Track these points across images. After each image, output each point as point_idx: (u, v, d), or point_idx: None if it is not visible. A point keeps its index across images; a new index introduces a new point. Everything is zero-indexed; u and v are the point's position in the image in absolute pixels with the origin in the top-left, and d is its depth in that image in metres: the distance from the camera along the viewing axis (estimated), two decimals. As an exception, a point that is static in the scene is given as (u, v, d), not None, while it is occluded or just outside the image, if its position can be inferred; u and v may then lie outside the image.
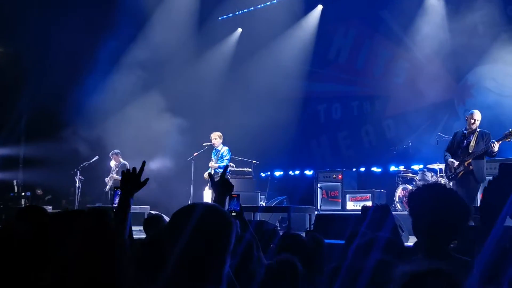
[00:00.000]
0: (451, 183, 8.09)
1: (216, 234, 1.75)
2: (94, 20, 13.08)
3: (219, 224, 1.78)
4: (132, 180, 2.78)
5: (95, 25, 13.05)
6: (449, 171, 8.05)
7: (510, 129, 7.54)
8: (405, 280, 1.39)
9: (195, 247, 1.70)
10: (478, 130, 7.91)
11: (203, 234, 1.72)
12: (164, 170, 12.60)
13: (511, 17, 11.19)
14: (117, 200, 3.22)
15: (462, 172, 7.81)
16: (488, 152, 7.62)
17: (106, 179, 11.78)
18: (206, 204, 1.88)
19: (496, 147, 7.50)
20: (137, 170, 2.80)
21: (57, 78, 12.81)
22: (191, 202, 1.95)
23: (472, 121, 7.92)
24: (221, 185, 2.80)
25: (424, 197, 2.18)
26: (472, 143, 7.82)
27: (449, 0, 11.73)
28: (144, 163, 2.89)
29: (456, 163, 7.90)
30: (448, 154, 8.13)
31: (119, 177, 11.21)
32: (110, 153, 11.73)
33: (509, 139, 7.52)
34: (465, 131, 8.02)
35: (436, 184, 2.26)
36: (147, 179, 2.84)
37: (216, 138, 10.40)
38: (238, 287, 2.33)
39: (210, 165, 10.45)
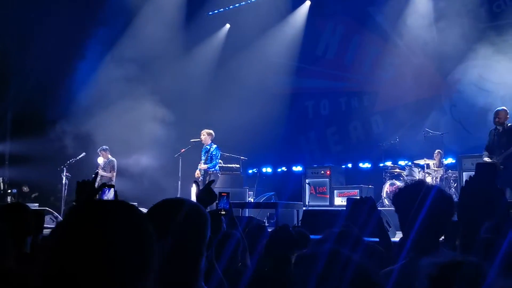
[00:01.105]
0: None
1: (192, 228, 1.80)
2: (81, 16, 12.97)
3: (194, 217, 1.82)
4: (87, 188, 2.80)
5: (82, 20, 12.93)
6: None
7: None
8: (434, 272, 1.39)
9: (171, 242, 1.71)
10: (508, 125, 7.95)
11: (178, 228, 1.75)
12: (152, 166, 12.55)
13: (496, 14, 11.28)
14: (104, 198, 3.20)
15: None
16: None
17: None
18: (178, 199, 1.92)
19: None
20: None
21: (43, 74, 12.69)
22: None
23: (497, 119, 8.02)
24: (205, 194, 2.80)
25: (410, 195, 2.20)
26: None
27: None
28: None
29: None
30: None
31: (106, 173, 11.16)
32: (98, 149, 11.63)
33: None
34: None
35: (420, 181, 2.27)
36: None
37: (204, 135, 10.32)
38: (227, 286, 2.33)
39: (199, 166, 10.37)
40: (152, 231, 1.18)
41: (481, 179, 1.70)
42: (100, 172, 11.32)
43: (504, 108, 8.12)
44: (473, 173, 1.74)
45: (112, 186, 3.23)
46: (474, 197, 1.67)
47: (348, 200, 3.80)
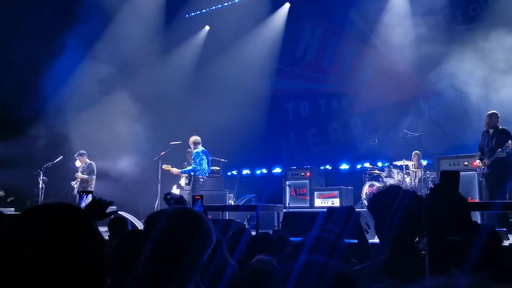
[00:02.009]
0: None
1: (188, 238, 1.69)
2: (58, 16, 12.77)
3: (190, 227, 1.72)
4: (98, 209, 2.78)
5: (59, 21, 12.73)
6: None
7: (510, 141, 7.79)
8: None
9: (167, 250, 1.65)
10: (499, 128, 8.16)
11: (175, 239, 1.67)
12: (131, 170, 12.42)
13: (473, 17, 11.46)
14: (82, 204, 3.15)
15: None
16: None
17: (72, 182, 11.51)
18: (179, 208, 1.81)
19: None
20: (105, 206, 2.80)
21: (19, 75, 12.45)
22: (162, 209, 1.84)
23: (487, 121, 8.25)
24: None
25: (385, 200, 2.21)
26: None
27: (414, 0, 11.91)
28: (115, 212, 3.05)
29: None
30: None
31: (85, 176, 11.01)
32: (76, 154, 11.48)
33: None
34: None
35: (394, 187, 2.29)
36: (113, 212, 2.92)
37: (191, 142, 10.36)
38: (203, 286, 2.29)
39: (171, 173, 10.46)
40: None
41: (445, 187, 1.73)
42: (79, 175, 11.18)
43: (495, 111, 8.31)
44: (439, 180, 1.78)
45: (91, 192, 3.19)
46: (438, 205, 1.70)
47: (328, 210, 3.83)
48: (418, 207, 2.06)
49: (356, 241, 3.53)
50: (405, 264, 2.06)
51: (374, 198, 2.30)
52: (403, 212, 2.11)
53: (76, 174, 11.33)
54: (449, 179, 1.74)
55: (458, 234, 2.22)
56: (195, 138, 10.31)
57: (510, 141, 7.72)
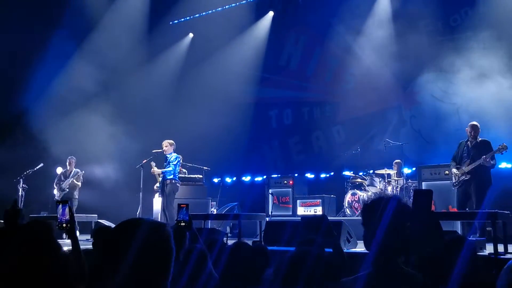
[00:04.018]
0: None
1: (158, 252, 1.69)
2: (40, 23, 12.62)
3: (159, 241, 1.71)
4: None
5: (40, 28, 12.59)
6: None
7: (504, 143, 7.89)
8: None
9: (137, 265, 1.63)
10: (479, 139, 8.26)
11: (144, 252, 1.65)
12: (113, 177, 12.30)
13: (454, 28, 11.63)
14: (60, 214, 3.11)
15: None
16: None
17: (55, 191, 11.36)
18: (146, 221, 1.77)
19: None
20: None
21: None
22: (135, 217, 1.83)
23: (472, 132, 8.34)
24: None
25: (372, 210, 2.16)
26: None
27: (397, 10, 12.06)
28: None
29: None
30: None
31: (75, 183, 10.94)
32: (69, 157, 11.36)
33: (502, 152, 7.91)
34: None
35: (382, 197, 2.23)
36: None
37: (167, 145, 10.17)
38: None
39: (152, 169, 10.23)
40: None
41: (418, 205, 1.75)
42: (74, 181, 11.03)
43: (476, 123, 8.41)
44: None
45: (66, 202, 3.15)
46: (412, 222, 1.72)
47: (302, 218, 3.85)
48: (404, 221, 2.06)
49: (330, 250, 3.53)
50: (387, 283, 2.03)
51: (364, 208, 2.25)
52: (388, 227, 2.06)
53: (67, 181, 11.16)
54: (422, 198, 1.76)
55: (432, 249, 2.22)
56: (172, 141, 10.26)
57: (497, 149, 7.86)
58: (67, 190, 10.94)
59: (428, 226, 1.71)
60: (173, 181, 9.96)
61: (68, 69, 13.05)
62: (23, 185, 11.10)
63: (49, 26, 12.70)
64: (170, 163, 9.98)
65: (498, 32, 10.36)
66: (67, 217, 3.06)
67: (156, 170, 10.21)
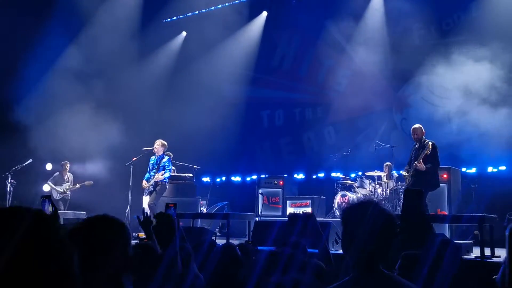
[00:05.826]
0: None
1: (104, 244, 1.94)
2: (30, 19, 12.50)
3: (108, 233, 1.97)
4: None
5: (31, 24, 12.46)
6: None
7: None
8: None
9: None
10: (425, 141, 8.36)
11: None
12: (102, 175, 12.24)
13: (446, 32, 11.69)
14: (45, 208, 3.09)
15: None
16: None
17: (45, 187, 11.36)
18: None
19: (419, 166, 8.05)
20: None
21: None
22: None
23: (415, 135, 8.50)
24: (144, 225, 3.37)
25: (357, 215, 2.14)
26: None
27: (390, 13, 12.10)
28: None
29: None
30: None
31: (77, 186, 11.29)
32: (67, 163, 11.67)
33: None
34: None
35: (369, 201, 2.21)
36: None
37: (158, 145, 10.11)
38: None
39: (156, 177, 9.89)
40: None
41: (408, 203, 1.74)
42: (75, 186, 11.38)
43: (420, 125, 8.53)
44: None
45: (49, 197, 3.14)
46: (402, 221, 1.71)
47: (289, 216, 3.84)
48: (388, 227, 2.03)
49: (317, 250, 3.51)
50: None
51: (344, 212, 2.22)
52: (371, 232, 2.02)
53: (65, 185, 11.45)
54: (413, 197, 1.76)
55: (421, 248, 2.22)
56: (165, 142, 10.21)
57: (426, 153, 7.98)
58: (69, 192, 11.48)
59: (417, 225, 1.70)
60: (164, 182, 9.96)
61: (59, 65, 12.95)
62: (12, 180, 11.02)
63: (40, 23, 12.60)
64: (166, 168, 9.93)
65: (490, 37, 10.42)
66: (48, 212, 3.04)
67: (160, 177, 9.95)
